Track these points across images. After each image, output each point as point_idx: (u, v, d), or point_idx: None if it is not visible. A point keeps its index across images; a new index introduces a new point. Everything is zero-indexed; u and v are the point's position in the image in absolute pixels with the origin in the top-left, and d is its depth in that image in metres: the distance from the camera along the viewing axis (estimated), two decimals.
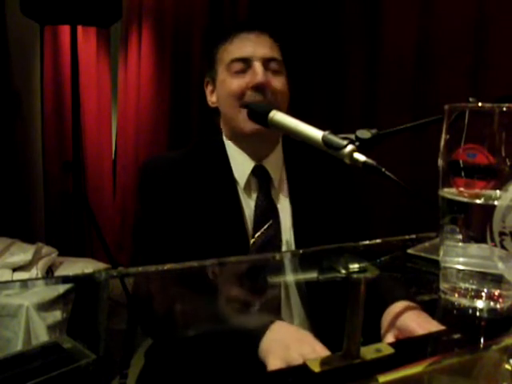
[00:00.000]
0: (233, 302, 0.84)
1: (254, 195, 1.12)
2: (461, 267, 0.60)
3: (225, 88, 1.11)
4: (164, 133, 3.44)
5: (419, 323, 0.73)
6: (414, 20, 2.69)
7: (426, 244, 0.88)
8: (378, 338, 0.78)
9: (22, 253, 2.29)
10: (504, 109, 0.55)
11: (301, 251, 0.97)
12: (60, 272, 2.40)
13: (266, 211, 1.11)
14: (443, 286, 0.62)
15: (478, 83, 2.47)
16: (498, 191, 0.55)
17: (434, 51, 2.62)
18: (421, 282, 0.83)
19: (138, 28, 3.44)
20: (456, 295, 0.60)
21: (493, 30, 2.44)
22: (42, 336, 1.98)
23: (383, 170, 0.76)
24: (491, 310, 0.58)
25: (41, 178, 3.44)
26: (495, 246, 0.53)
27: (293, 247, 1.11)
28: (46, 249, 2.43)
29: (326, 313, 1.00)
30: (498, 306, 0.58)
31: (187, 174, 1.09)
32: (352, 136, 0.88)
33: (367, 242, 0.89)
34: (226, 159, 1.14)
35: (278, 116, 0.94)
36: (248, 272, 0.88)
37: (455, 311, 0.60)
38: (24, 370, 0.68)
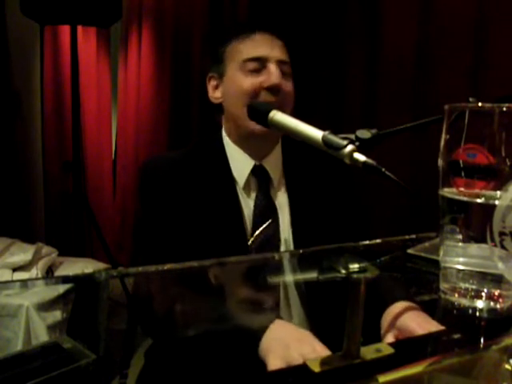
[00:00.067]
0: (233, 301, 0.84)
1: (253, 194, 1.13)
2: (461, 267, 0.60)
3: (236, 86, 1.11)
4: (164, 133, 3.44)
5: (419, 323, 0.73)
6: (414, 20, 2.69)
7: (426, 244, 0.88)
8: (378, 338, 0.78)
9: (22, 253, 2.29)
10: (504, 109, 0.55)
11: (300, 251, 0.97)
12: (60, 272, 2.40)
13: (265, 210, 1.11)
14: (443, 286, 0.62)
15: (478, 83, 2.47)
16: (498, 191, 0.55)
17: (434, 51, 2.62)
18: (421, 282, 0.83)
19: (138, 28, 3.44)
20: (456, 295, 0.60)
21: (493, 30, 2.44)
22: (42, 336, 1.98)
23: (383, 170, 0.76)
24: (491, 310, 0.58)
25: (41, 178, 3.44)
26: (495, 245, 0.53)
27: (291, 246, 1.11)
28: (45, 249, 2.43)
29: (326, 313, 1.00)
30: (498, 305, 0.58)
31: (187, 174, 1.09)
32: (352, 136, 0.88)
33: (367, 242, 0.89)
34: (226, 159, 1.14)
35: (278, 116, 0.94)
36: (248, 272, 0.88)
37: (455, 311, 0.60)
38: (24, 370, 0.68)
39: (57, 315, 2.08)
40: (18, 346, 1.96)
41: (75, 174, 2.71)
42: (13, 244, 2.38)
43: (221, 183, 1.11)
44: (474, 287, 0.59)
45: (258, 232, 1.09)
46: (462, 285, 0.59)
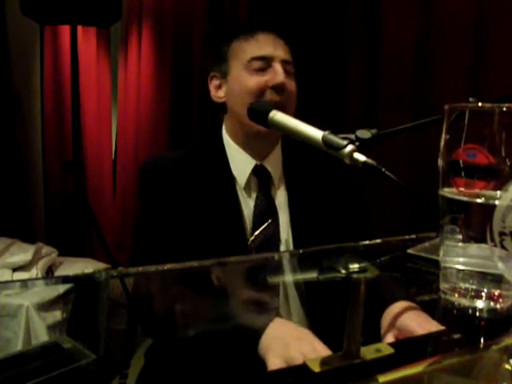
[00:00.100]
0: (233, 301, 0.84)
1: (254, 194, 1.13)
2: (461, 267, 0.60)
3: (241, 85, 1.10)
4: (164, 133, 3.44)
5: (419, 323, 0.73)
6: (414, 20, 2.69)
7: (426, 244, 0.88)
8: (378, 338, 0.78)
9: (22, 253, 2.28)
10: (504, 109, 0.55)
11: (300, 251, 0.97)
12: (60, 272, 2.40)
13: (265, 210, 1.11)
14: (443, 286, 0.62)
15: (478, 83, 2.47)
16: (498, 191, 0.55)
17: (434, 51, 2.62)
18: (421, 281, 0.83)
19: (138, 28, 3.44)
20: (456, 295, 0.60)
21: (493, 30, 2.44)
22: (42, 336, 1.98)
23: (383, 170, 0.76)
24: (491, 310, 0.58)
25: (41, 178, 3.43)
26: (495, 245, 0.53)
27: (291, 246, 1.11)
28: (45, 249, 2.43)
29: (326, 313, 1.00)
30: (498, 305, 0.58)
31: (187, 174, 1.09)
32: (352, 136, 0.88)
33: (367, 242, 0.89)
34: (226, 159, 1.14)
35: (278, 116, 0.94)
36: (248, 272, 0.88)
37: (455, 311, 0.60)
38: (24, 370, 0.68)
39: (57, 315, 2.08)
40: (18, 346, 1.96)
41: (75, 174, 2.71)
42: (13, 244, 2.38)
43: (221, 183, 1.11)
44: (474, 287, 0.59)
45: (257, 232, 1.09)
46: (462, 285, 0.59)
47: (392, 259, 0.88)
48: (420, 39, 2.68)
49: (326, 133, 0.83)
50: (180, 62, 3.38)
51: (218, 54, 1.18)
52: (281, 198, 1.15)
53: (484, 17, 2.47)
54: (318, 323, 1.05)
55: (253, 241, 1.09)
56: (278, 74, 1.08)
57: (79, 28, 2.91)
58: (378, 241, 0.90)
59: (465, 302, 0.59)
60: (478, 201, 0.56)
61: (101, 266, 2.59)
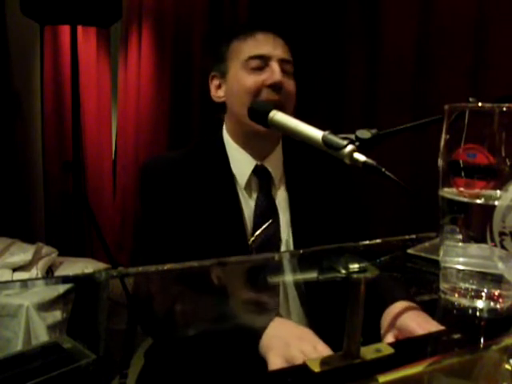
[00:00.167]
0: (233, 301, 0.84)
1: (254, 194, 1.13)
2: (461, 267, 0.60)
3: (239, 84, 1.11)
4: (164, 133, 3.44)
5: (419, 323, 0.73)
6: (414, 20, 2.69)
7: (426, 244, 0.88)
8: (378, 338, 0.78)
9: (22, 253, 2.28)
10: (504, 109, 0.55)
11: (301, 251, 0.97)
12: (60, 272, 2.40)
13: (266, 210, 1.11)
14: (443, 286, 0.62)
15: (478, 83, 2.47)
16: (498, 191, 0.55)
17: (434, 51, 2.62)
18: (421, 281, 0.83)
19: (138, 28, 3.44)
20: (456, 295, 0.60)
21: (493, 30, 2.44)
22: (42, 336, 1.98)
23: (383, 169, 0.76)
24: (491, 310, 0.58)
25: (41, 178, 3.44)
26: (495, 245, 0.53)
27: (291, 246, 1.11)
28: (45, 249, 2.43)
29: (326, 313, 1.00)
30: (498, 305, 0.58)
31: (187, 174, 1.09)
32: (352, 136, 0.88)
33: (367, 242, 0.89)
34: (226, 159, 1.14)
35: (278, 116, 0.94)
36: (248, 272, 0.88)
37: (455, 311, 0.60)
38: (24, 370, 0.68)
39: (57, 315, 2.08)
40: (18, 346, 1.96)
41: (75, 174, 2.71)
42: (13, 244, 2.38)
43: (221, 183, 1.11)
44: (474, 287, 0.59)
45: (258, 232, 1.09)
46: (462, 285, 0.59)
47: (392, 259, 0.88)
48: (420, 39, 2.68)
49: (326, 133, 0.83)
50: (180, 62, 3.38)
51: (217, 53, 1.18)
52: (281, 198, 1.15)
53: (484, 17, 2.47)
54: (317, 323, 1.05)
55: (253, 241, 1.08)
56: (275, 72, 1.08)
57: (79, 28, 2.91)
58: (378, 241, 0.90)
59: (465, 301, 0.59)
60: (478, 201, 0.56)
61: (101, 265, 2.59)
